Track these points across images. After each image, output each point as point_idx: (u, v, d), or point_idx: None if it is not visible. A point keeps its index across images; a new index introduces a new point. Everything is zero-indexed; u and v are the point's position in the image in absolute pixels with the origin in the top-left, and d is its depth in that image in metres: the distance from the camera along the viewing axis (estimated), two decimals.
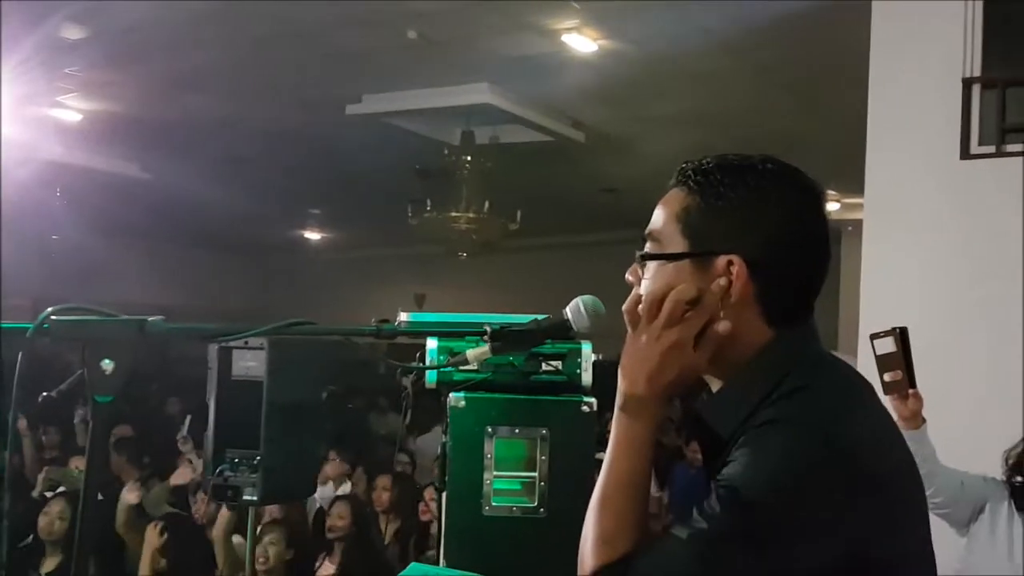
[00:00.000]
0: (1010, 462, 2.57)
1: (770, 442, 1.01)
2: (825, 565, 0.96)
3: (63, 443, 6.52)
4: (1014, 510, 2.52)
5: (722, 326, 1.07)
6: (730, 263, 1.08)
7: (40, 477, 5.14)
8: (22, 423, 5.64)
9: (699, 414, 1.14)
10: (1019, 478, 2.54)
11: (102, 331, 1.01)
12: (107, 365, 0.99)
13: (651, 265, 1.13)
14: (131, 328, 1.02)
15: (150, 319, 1.03)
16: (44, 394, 1.02)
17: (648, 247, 1.15)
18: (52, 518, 4.26)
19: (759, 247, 1.08)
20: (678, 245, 1.11)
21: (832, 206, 9.73)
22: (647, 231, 1.15)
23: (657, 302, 1.08)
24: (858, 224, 3.70)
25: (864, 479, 0.99)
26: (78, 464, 5.45)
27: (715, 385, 1.15)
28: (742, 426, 1.07)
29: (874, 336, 2.31)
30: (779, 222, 1.10)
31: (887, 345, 2.27)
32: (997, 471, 2.60)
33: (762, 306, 1.09)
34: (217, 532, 3.83)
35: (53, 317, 1.02)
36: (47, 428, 6.58)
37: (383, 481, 4.79)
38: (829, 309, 1.21)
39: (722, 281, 1.07)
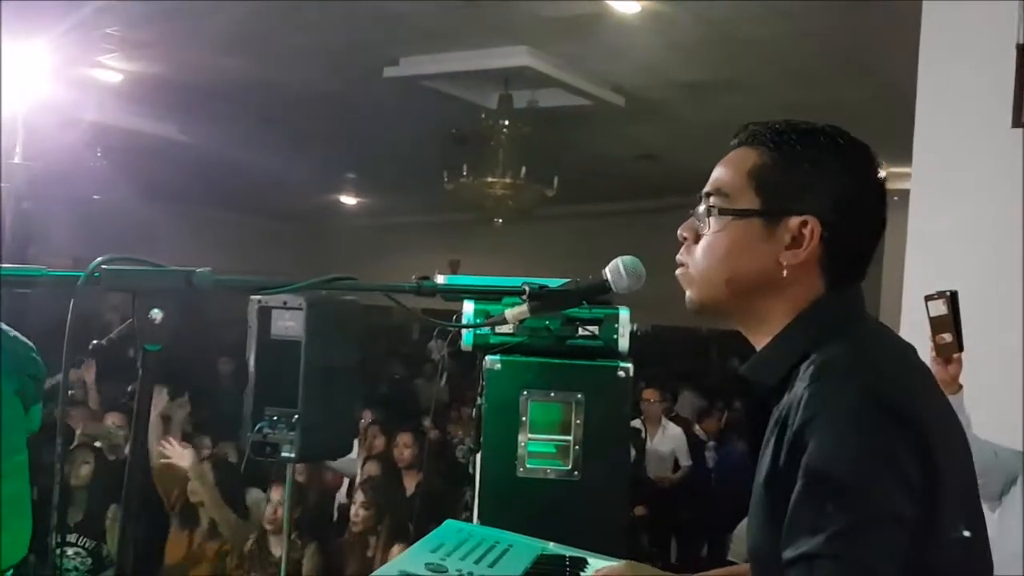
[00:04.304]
0: None
1: (833, 412, 0.99)
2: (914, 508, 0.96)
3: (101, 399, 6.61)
4: None
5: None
6: (804, 223, 1.10)
7: (77, 432, 5.23)
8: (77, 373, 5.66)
9: (745, 373, 1.17)
10: None
11: (151, 281, 1.02)
12: (156, 314, 1.01)
13: (715, 221, 1.14)
14: (179, 279, 1.03)
15: (198, 270, 1.04)
16: (95, 342, 1.04)
17: (714, 200, 1.15)
18: (77, 464, 4.35)
19: (830, 210, 1.11)
20: (749, 202, 1.12)
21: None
22: (712, 187, 1.16)
23: None
24: (904, 194, 3.62)
25: (920, 431, 0.99)
26: (114, 420, 5.55)
27: (760, 339, 1.16)
28: (790, 375, 1.08)
29: (928, 298, 2.33)
30: (848, 186, 1.12)
31: (939, 308, 2.27)
32: None
33: (822, 268, 1.12)
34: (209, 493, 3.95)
35: (104, 266, 1.04)
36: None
37: (404, 439, 4.91)
38: (872, 278, 1.21)
39: (790, 241, 1.10)
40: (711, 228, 1.14)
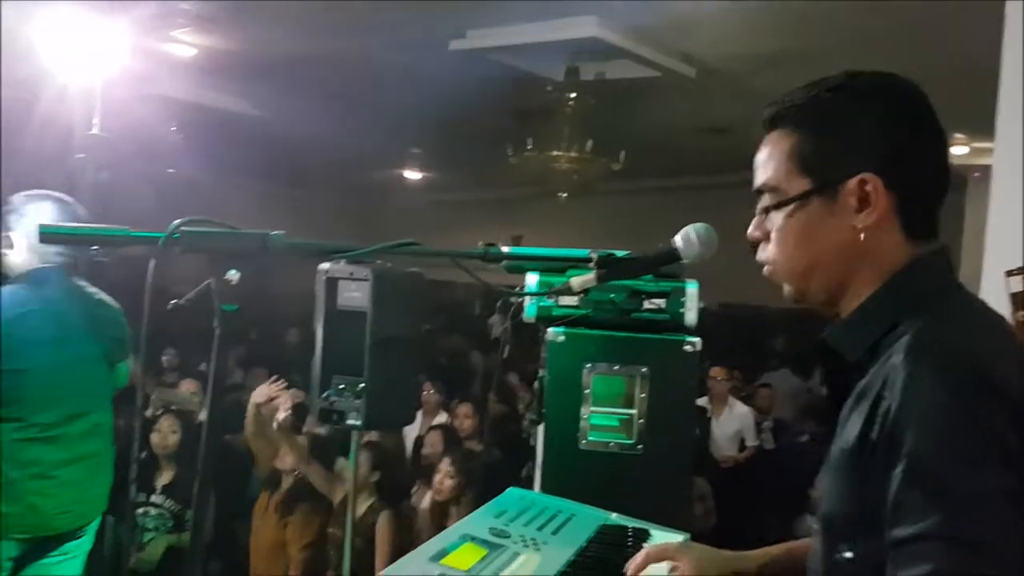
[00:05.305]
0: None
1: (936, 388, 0.96)
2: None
3: (178, 366, 6.83)
4: None
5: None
6: (862, 182, 1.08)
7: (152, 398, 5.38)
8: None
9: (827, 339, 1.14)
10: None
11: (228, 243, 1.05)
12: (233, 275, 1.03)
13: (777, 216, 1.13)
14: (255, 241, 1.06)
15: (272, 233, 1.07)
16: (173, 301, 1.07)
17: (767, 199, 1.15)
18: (164, 433, 4.46)
19: (883, 157, 1.08)
20: (800, 186, 1.12)
21: (960, 150, 9.20)
22: (760, 184, 1.16)
23: None
24: (984, 170, 3.49)
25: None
26: (188, 387, 5.71)
27: (848, 304, 1.14)
28: (879, 344, 1.06)
29: (1009, 273, 2.26)
30: (892, 128, 1.09)
31: (1020, 284, 2.21)
32: None
33: (901, 218, 1.09)
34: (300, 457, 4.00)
35: (183, 228, 1.07)
36: (165, 349, 6.90)
37: (464, 409, 4.97)
38: (951, 253, 1.17)
39: (857, 203, 1.08)
40: (776, 225, 1.14)
